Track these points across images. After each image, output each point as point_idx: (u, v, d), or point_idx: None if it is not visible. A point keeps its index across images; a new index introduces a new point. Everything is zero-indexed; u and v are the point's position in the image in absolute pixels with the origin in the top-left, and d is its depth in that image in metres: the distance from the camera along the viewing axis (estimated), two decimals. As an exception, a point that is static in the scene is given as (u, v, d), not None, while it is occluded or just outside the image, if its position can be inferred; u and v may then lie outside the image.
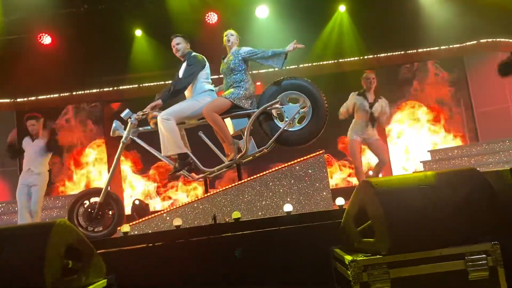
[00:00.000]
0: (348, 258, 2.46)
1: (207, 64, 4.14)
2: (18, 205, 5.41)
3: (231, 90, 4.02)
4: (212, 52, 4.78)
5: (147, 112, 3.94)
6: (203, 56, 4.14)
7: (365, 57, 9.08)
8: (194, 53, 4.14)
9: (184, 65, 4.11)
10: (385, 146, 5.51)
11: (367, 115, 5.30)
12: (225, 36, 4.24)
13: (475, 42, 8.99)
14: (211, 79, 4.26)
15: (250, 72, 4.20)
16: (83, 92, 9.11)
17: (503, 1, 8.01)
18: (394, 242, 2.32)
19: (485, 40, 8.92)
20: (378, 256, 2.39)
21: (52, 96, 9.01)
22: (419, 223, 2.36)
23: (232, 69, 4.08)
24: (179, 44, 4.14)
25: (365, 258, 2.40)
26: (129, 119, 3.95)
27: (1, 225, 6.19)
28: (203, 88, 4.07)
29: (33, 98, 8.99)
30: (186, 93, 4.16)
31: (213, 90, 4.15)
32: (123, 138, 3.96)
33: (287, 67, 9.04)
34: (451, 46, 9.10)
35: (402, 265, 2.37)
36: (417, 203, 2.41)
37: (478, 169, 2.67)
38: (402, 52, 9.15)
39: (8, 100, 8.95)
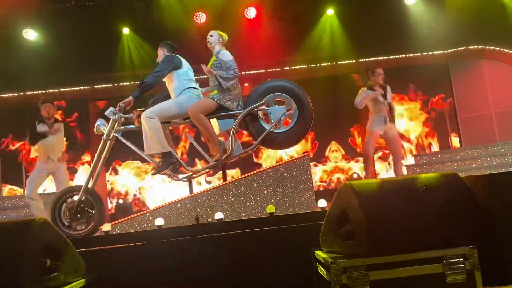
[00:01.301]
0: (328, 260, 2.47)
1: (185, 63, 4.12)
2: (27, 191, 5.29)
3: (217, 91, 4.01)
4: (200, 52, 4.77)
5: (119, 109, 3.91)
6: (179, 56, 4.14)
7: (353, 61, 9.17)
8: (169, 54, 4.17)
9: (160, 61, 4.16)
10: (400, 141, 5.65)
11: (385, 107, 5.39)
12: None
13: (460, 49, 9.15)
14: (200, 79, 4.25)
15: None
16: (70, 89, 9.03)
17: (488, 9, 8.16)
18: (373, 244, 2.33)
19: (470, 47, 9.08)
20: (358, 259, 2.40)
21: (37, 92, 8.91)
22: (398, 226, 2.38)
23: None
24: (159, 56, 4.25)
25: (345, 260, 2.41)
26: (111, 117, 3.92)
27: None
28: (184, 86, 4.04)
29: (16, 94, 8.88)
30: (170, 94, 4.14)
31: (197, 88, 4.13)
32: (104, 135, 3.92)
33: (275, 69, 9.09)
34: (436, 52, 9.24)
35: (381, 267, 2.38)
36: (397, 207, 2.43)
37: (460, 174, 2.70)
38: (389, 57, 9.26)
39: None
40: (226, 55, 4.04)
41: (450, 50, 9.20)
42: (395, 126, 5.55)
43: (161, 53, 4.22)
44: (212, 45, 4.16)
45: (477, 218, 2.51)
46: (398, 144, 5.56)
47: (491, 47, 8.93)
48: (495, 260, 2.61)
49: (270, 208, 3.66)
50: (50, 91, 8.92)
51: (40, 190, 5.74)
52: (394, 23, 8.51)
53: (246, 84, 8.93)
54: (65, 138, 5.48)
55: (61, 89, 8.99)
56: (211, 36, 4.17)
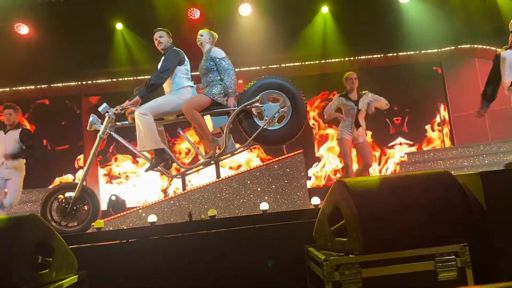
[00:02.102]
0: (321, 257, 2.48)
1: (186, 59, 4.10)
2: None
3: (211, 88, 3.99)
4: (194, 48, 4.74)
5: (126, 107, 3.89)
6: (182, 52, 4.10)
7: (346, 58, 9.19)
8: (174, 48, 4.09)
9: (162, 59, 4.07)
10: (371, 149, 5.54)
11: (353, 114, 5.35)
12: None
13: (453, 47, 9.20)
14: (192, 76, 4.23)
15: None
16: (61, 84, 8.96)
17: (481, 8, 8.21)
18: (366, 242, 2.35)
19: (463, 46, 9.13)
20: (350, 256, 2.42)
21: (28, 87, 8.83)
22: (391, 224, 2.40)
23: (207, 69, 4.06)
24: (162, 37, 4.09)
25: (337, 257, 2.43)
26: (106, 113, 3.89)
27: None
28: (182, 83, 4.02)
29: (7, 89, 8.79)
30: (165, 88, 4.11)
31: (192, 87, 4.12)
32: (100, 133, 3.90)
33: (269, 66, 9.08)
34: (430, 51, 9.28)
35: (374, 265, 2.40)
36: (390, 204, 2.44)
37: (452, 172, 2.72)
38: (382, 55, 9.30)
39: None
40: (219, 52, 4.03)
41: (443, 49, 9.25)
42: (365, 133, 5.48)
43: (166, 38, 4.09)
44: (203, 44, 4.14)
45: (469, 216, 2.53)
46: (368, 152, 5.47)
47: (484, 46, 8.98)
48: (486, 257, 2.64)
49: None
50: (42, 86, 8.85)
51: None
52: (388, 21, 8.54)
53: (240, 81, 8.90)
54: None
55: (52, 84, 8.92)
56: (201, 35, 4.15)
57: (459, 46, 9.17)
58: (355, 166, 5.65)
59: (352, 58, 9.20)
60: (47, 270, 2.52)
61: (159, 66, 4.04)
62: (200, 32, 4.19)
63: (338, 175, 8.98)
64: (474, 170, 7.10)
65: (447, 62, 9.32)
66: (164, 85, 4.11)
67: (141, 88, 3.97)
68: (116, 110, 3.88)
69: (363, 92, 5.48)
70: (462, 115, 9.10)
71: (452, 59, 9.26)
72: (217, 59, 4.00)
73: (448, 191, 2.53)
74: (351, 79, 5.42)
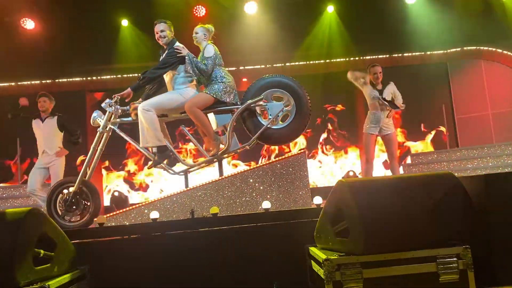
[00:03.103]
0: (322, 256, 2.47)
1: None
2: (28, 187, 5.26)
3: (212, 85, 3.98)
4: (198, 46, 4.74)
5: (114, 100, 3.88)
6: (185, 48, 4.08)
7: (351, 58, 9.17)
8: (178, 44, 4.06)
9: (165, 53, 4.04)
10: (396, 141, 5.54)
11: (377, 105, 5.34)
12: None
13: (459, 49, 9.16)
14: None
15: (226, 69, 4.13)
16: (66, 80, 8.99)
17: (488, 10, 8.17)
18: (368, 242, 2.34)
19: (469, 48, 9.09)
20: (351, 256, 2.41)
21: (33, 82, 8.86)
22: (393, 225, 2.39)
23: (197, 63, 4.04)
24: (163, 31, 4.02)
25: (339, 257, 2.42)
26: (107, 108, 3.90)
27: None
28: (185, 81, 4.02)
29: (13, 83, 8.82)
30: (168, 85, 4.10)
31: (195, 85, 4.12)
32: (100, 127, 3.91)
33: (274, 65, 9.08)
34: (435, 52, 9.25)
35: (375, 265, 2.39)
36: (393, 205, 2.43)
37: (455, 174, 2.71)
38: (387, 56, 9.27)
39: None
40: (209, 51, 4.00)
41: (449, 50, 9.21)
42: (392, 124, 5.49)
43: (168, 32, 4.02)
44: (199, 41, 4.12)
45: (472, 218, 2.52)
46: (393, 143, 5.50)
47: (490, 48, 8.94)
48: (488, 260, 2.63)
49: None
50: (47, 81, 8.88)
51: None
52: (394, 22, 8.52)
53: (244, 79, 8.91)
54: (62, 133, 5.39)
55: (57, 80, 8.94)
56: (196, 33, 4.11)
57: (465, 48, 9.13)
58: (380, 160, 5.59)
59: (357, 58, 9.18)
60: (48, 265, 2.53)
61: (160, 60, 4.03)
62: (195, 29, 4.13)
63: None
64: (477, 173, 7.09)
65: (453, 64, 9.28)
66: (167, 82, 4.10)
67: (136, 81, 3.96)
68: (109, 103, 3.88)
69: (388, 82, 5.49)
70: (467, 117, 9.07)
71: (458, 61, 9.22)
72: (205, 58, 3.97)
73: (452, 193, 2.52)
74: (376, 73, 5.42)
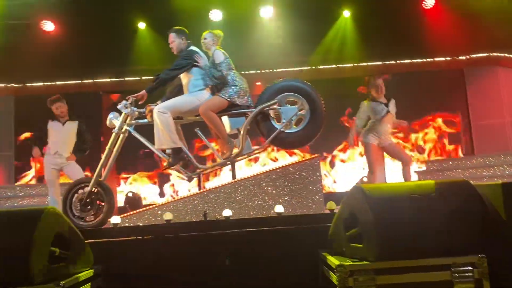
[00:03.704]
0: (335, 262, 2.46)
1: (205, 59, 4.11)
2: (50, 189, 5.34)
3: (225, 89, 4.00)
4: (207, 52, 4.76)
5: (129, 102, 3.92)
6: (200, 52, 4.10)
7: (367, 64, 9.13)
8: (192, 48, 4.10)
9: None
10: (400, 147, 5.43)
11: (386, 117, 5.25)
12: None
13: (476, 55, 9.04)
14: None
15: (236, 72, 4.15)
16: (83, 81, 9.12)
17: (506, 17, 8.06)
18: (382, 249, 2.33)
19: (486, 54, 8.97)
20: (365, 262, 2.40)
21: (51, 83, 9.00)
22: (408, 232, 2.37)
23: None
24: (173, 42, 4.12)
25: (352, 263, 2.41)
26: (123, 110, 3.94)
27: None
28: (200, 84, 4.05)
29: (32, 84, 8.98)
30: (184, 88, 4.14)
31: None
32: (115, 128, 3.95)
33: (288, 69, 9.08)
34: (452, 58, 9.15)
35: (388, 272, 2.37)
36: (407, 212, 2.41)
37: (471, 182, 2.67)
38: (404, 61, 9.20)
39: (7, 85, 8.93)
40: (218, 56, 4.02)
41: (465, 57, 9.10)
42: (389, 137, 5.35)
43: (178, 41, 4.10)
44: (208, 47, 4.14)
45: (488, 227, 2.49)
46: (399, 150, 5.39)
47: (507, 55, 8.81)
48: (504, 270, 2.58)
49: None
50: (65, 82, 9.02)
51: None
52: (410, 27, 8.44)
53: (258, 83, 8.93)
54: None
55: (74, 81, 9.07)
56: (205, 39, 4.14)
57: (482, 54, 9.01)
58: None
59: (372, 64, 9.13)
60: (64, 263, 2.57)
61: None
62: (203, 35, 4.16)
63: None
64: (494, 181, 6.97)
65: (469, 70, 9.16)
66: (183, 86, 4.14)
67: (151, 83, 4.00)
68: (125, 104, 3.92)
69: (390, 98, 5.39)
70: (483, 124, 8.94)
71: (474, 67, 9.10)
72: (216, 64, 4.00)
73: (467, 201, 2.50)
74: (378, 85, 5.32)
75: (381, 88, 5.31)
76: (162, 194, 9.14)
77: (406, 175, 5.30)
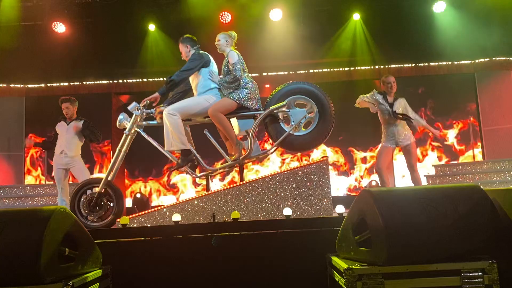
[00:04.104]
0: (343, 266, 2.45)
1: (212, 62, 4.14)
2: (58, 188, 5.42)
3: (235, 91, 4.01)
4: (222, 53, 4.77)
5: (144, 104, 3.96)
6: (208, 54, 4.14)
7: (376, 67, 9.09)
8: (199, 52, 4.13)
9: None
10: (414, 151, 5.34)
11: (388, 115, 5.23)
12: None
13: (487, 59, 8.97)
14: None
15: (249, 75, 4.16)
16: (93, 82, 9.19)
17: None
18: (391, 253, 2.31)
19: (498, 58, 8.89)
20: (374, 266, 2.38)
21: (62, 84, 9.10)
22: (417, 236, 2.35)
23: (224, 73, 4.08)
24: (181, 52, 4.21)
25: (360, 267, 2.39)
26: (134, 112, 3.97)
27: (1, 209, 6.25)
28: (208, 85, 4.07)
29: (42, 85, 9.08)
30: (193, 90, 4.17)
31: (220, 88, 4.16)
32: (126, 130, 3.98)
33: (297, 72, 9.07)
34: (463, 62, 9.08)
35: (397, 277, 2.35)
36: (417, 216, 2.39)
37: (481, 187, 2.65)
38: (413, 65, 9.15)
39: (19, 85, 9.04)
40: (233, 57, 4.04)
41: (476, 61, 9.03)
42: (410, 135, 5.29)
43: (185, 49, 4.18)
44: (222, 48, 4.16)
45: (499, 232, 2.46)
46: (412, 155, 5.28)
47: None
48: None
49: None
50: (75, 83, 9.10)
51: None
52: (421, 31, 8.41)
53: (267, 86, 8.93)
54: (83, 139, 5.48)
55: (85, 82, 9.15)
56: (218, 40, 4.15)
57: (494, 58, 8.93)
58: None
59: (382, 67, 9.10)
60: (73, 263, 2.59)
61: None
62: (217, 37, 4.17)
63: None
64: (504, 186, 6.90)
65: (480, 74, 9.08)
66: (192, 87, 4.16)
67: (163, 85, 4.03)
68: (138, 106, 3.94)
69: (400, 98, 5.35)
70: (494, 128, 8.85)
71: (486, 71, 9.02)
72: (230, 64, 4.01)
73: (478, 206, 2.47)
74: (389, 82, 5.31)
75: (391, 86, 5.30)
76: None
77: (416, 181, 5.26)
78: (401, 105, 5.30)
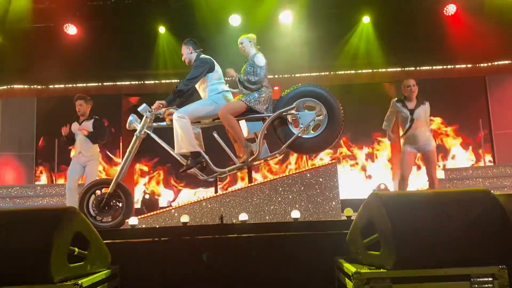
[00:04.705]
0: (351, 269, 2.44)
1: (217, 65, 4.15)
2: (67, 184, 5.50)
3: (248, 94, 4.02)
4: (233, 54, 4.79)
5: (156, 108, 3.98)
6: (211, 58, 4.16)
7: (386, 70, 9.06)
8: (201, 56, 4.15)
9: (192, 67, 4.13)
10: (434, 158, 5.15)
11: (408, 122, 5.05)
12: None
13: (498, 63, 8.89)
14: (228, 80, 4.28)
15: (266, 77, 4.17)
16: (103, 84, 9.27)
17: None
18: (399, 257, 2.29)
19: (509, 61, 8.81)
20: (382, 270, 2.37)
21: (73, 85, 9.18)
22: (426, 241, 2.34)
23: (246, 72, 4.08)
24: (182, 55, 4.23)
25: (368, 271, 2.38)
26: (144, 113, 4.00)
27: (12, 208, 6.32)
28: (216, 89, 4.10)
29: (54, 86, 9.18)
30: (201, 94, 4.21)
31: (228, 91, 4.18)
32: (137, 132, 4.01)
33: (307, 74, 9.07)
34: (473, 65, 9.01)
35: (406, 281, 2.34)
36: (426, 220, 2.38)
37: (492, 191, 2.62)
38: (424, 68, 9.10)
39: (31, 86, 9.15)
40: (261, 60, 4.05)
41: (487, 64, 8.95)
42: (431, 138, 5.16)
43: (186, 51, 4.20)
44: (246, 50, 4.18)
45: (509, 237, 2.43)
46: (432, 161, 5.12)
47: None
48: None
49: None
50: (86, 84, 9.18)
51: None
52: (431, 34, 8.35)
53: (276, 88, 8.93)
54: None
55: (94, 83, 9.24)
56: (241, 43, 4.20)
57: (505, 62, 8.85)
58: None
59: (392, 70, 9.06)
60: (82, 263, 2.61)
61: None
62: (239, 40, 4.22)
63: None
64: (515, 191, 6.82)
65: (492, 78, 9.01)
66: (200, 92, 4.20)
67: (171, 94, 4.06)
68: (150, 110, 3.97)
69: (423, 102, 5.18)
70: (505, 132, 8.76)
71: (497, 75, 8.94)
72: (258, 66, 4.03)
73: (488, 211, 2.45)
74: (408, 86, 5.12)
75: (411, 89, 5.12)
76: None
77: (430, 185, 5.16)
78: (424, 110, 5.12)
